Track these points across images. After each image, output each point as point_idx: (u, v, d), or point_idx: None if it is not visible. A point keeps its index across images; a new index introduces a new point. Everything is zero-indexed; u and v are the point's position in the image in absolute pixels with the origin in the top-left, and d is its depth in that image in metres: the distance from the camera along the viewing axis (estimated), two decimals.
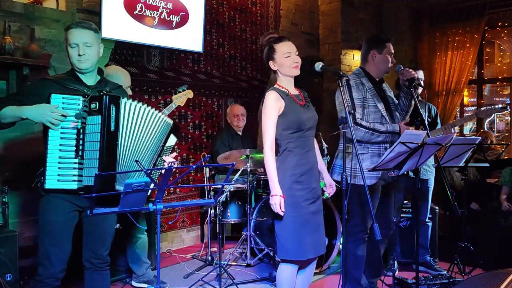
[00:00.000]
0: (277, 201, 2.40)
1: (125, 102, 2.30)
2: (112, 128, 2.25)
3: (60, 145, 2.23)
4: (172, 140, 2.59)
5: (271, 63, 2.54)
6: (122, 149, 2.30)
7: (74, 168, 2.25)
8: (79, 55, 2.29)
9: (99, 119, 2.22)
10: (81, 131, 2.25)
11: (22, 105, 2.23)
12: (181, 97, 3.36)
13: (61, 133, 2.23)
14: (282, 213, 2.41)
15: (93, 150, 2.23)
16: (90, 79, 2.38)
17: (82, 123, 2.25)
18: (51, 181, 2.21)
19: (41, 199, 2.31)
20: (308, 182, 2.50)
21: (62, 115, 2.20)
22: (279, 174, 2.47)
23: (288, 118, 2.47)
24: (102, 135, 2.22)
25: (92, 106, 2.24)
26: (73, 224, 2.36)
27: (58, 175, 2.22)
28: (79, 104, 2.25)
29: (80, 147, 2.25)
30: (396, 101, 3.10)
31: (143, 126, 2.38)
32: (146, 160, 2.44)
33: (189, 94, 3.41)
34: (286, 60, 2.50)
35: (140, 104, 2.37)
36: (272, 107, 2.45)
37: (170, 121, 2.54)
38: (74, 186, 2.24)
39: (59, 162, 2.22)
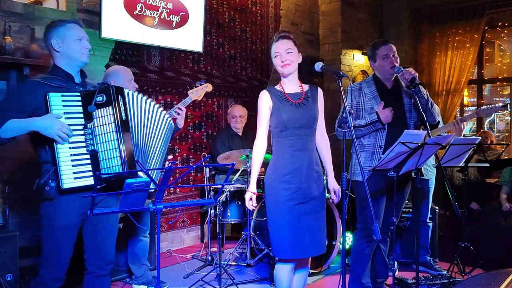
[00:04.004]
0: (247, 197, 2.54)
1: (128, 92, 2.37)
2: (123, 117, 2.29)
3: (70, 142, 2.20)
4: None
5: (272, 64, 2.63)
6: (134, 137, 2.35)
7: (88, 164, 2.23)
8: (86, 48, 2.33)
9: (110, 109, 2.25)
10: (88, 125, 2.25)
11: (21, 111, 2.18)
12: (198, 91, 3.34)
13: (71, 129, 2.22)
14: (251, 208, 2.56)
15: (111, 141, 2.24)
16: (77, 77, 2.38)
17: (87, 118, 2.24)
18: (68, 180, 2.18)
19: (48, 202, 2.25)
20: (296, 182, 2.48)
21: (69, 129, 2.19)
22: (269, 172, 2.57)
23: (274, 117, 2.54)
24: (116, 124, 2.25)
25: (99, 99, 2.25)
26: (80, 226, 2.35)
27: (73, 172, 2.19)
28: (79, 100, 2.25)
29: (91, 141, 2.24)
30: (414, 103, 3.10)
31: (148, 115, 2.46)
32: (159, 157, 2.51)
33: (208, 87, 3.39)
34: (275, 59, 2.56)
35: (141, 94, 2.46)
36: (262, 106, 2.57)
37: (172, 122, 2.64)
38: (91, 181, 2.22)
39: (71, 160, 2.19)
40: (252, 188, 2.54)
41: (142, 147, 2.41)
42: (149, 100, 2.49)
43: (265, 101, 2.55)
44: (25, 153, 3.34)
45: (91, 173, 2.22)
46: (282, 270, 2.56)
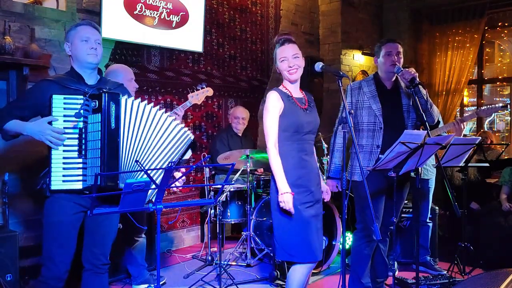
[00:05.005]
0: (287, 199, 2.36)
1: (126, 100, 2.28)
2: (113, 125, 2.23)
3: (64, 145, 2.23)
4: (188, 154, 2.53)
5: (276, 66, 2.57)
6: (125, 147, 2.27)
7: (79, 168, 2.25)
8: (91, 48, 2.32)
9: (99, 117, 2.21)
10: (83, 130, 2.25)
11: (24, 110, 2.27)
12: (198, 95, 3.31)
13: (64, 133, 2.23)
14: (293, 211, 2.39)
15: (95, 149, 2.22)
16: (91, 78, 2.39)
17: (84, 122, 2.25)
18: (57, 182, 2.21)
19: (46, 200, 2.30)
20: (306, 186, 2.48)
21: (63, 133, 2.21)
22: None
23: (286, 119, 2.46)
24: (102, 132, 2.20)
25: (92, 104, 2.23)
26: (78, 225, 2.35)
27: (63, 175, 2.22)
28: (80, 104, 2.25)
29: (83, 147, 2.25)
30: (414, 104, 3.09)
31: (150, 125, 2.32)
32: (158, 165, 2.39)
33: (208, 92, 3.37)
34: (282, 64, 2.51)
35: (145, 102, 2.33)
36: (273, 106, 2.45)
37: (192, 136, 2.49)
38: (79, 186, 2.24)
39: (63, 163, 2.22)
40: (287, 187, 2.37)
41: (137, 157, 2.32)
42: (154, 109, 2.33)
43: (276, 101, 2.46)
44: (25, 152, 3.35)
45: (80, 178, 2.24)
46: (301, 272, 2.50)
